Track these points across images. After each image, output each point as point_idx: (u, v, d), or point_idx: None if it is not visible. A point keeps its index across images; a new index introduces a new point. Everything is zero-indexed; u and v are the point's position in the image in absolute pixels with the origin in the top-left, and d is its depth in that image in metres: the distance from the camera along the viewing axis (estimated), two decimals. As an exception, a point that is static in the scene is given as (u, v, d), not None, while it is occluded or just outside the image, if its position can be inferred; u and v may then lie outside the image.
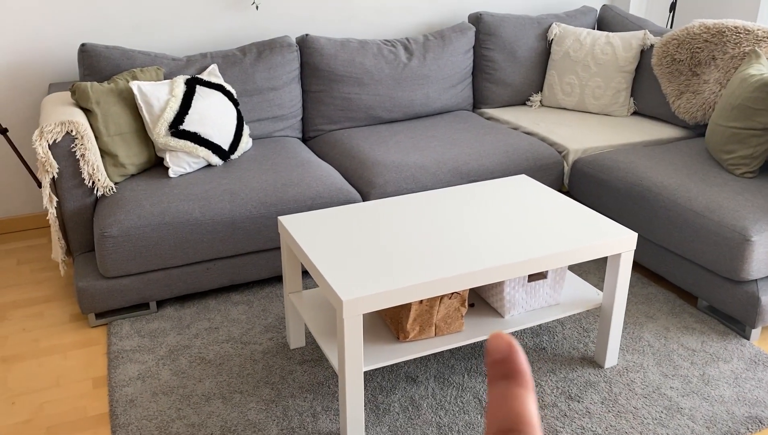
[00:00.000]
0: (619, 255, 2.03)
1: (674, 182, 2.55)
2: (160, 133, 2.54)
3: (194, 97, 2.62)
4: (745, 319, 2.30)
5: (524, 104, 3.63)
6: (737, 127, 2.57)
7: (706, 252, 2.34)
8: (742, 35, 2.90)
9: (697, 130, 3.23)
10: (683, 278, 2.50)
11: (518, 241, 1.96)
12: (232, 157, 2.77)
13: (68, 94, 2.67)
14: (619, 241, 2.00)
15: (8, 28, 2.91)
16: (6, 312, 2.53)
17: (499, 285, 2.03)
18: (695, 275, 2.45)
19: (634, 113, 3.47)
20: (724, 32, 2.96)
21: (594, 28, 3.76)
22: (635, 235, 2.02)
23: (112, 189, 2.46)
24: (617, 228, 2.06)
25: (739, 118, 2.56)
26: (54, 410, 2.01)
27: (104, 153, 2.49)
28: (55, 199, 2.37)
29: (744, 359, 2.23)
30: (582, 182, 2.91)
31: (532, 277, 2.07)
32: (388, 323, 1.98)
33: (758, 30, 2.88)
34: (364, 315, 2.05)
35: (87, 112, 2.49)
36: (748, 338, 2.33)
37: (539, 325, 2.40)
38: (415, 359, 2.22)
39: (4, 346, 2.32)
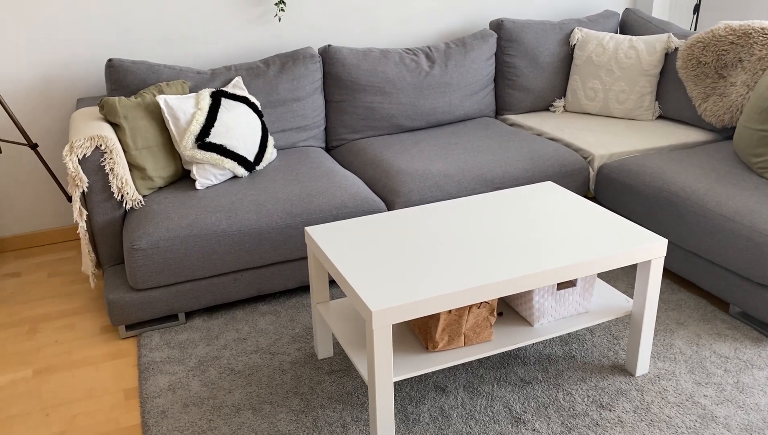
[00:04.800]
0: (649, 262, 2.01)
1: (703, 186, 2.52)
2: (186, 145, 2.57)
3: (219, 110, 2.64)
4: (779, 325, 2.26)
5: (547, 110, 3.62)
6: (767, 130, 2.53)
7: (737, 257, 2.30)
8: (769, 36, 2.86)
9: (725, 133, 3.19)
10: (714, 284, 2.47)
11: (547, 249, 1.95)
12: (258, 168, 2.79)
13: (96, 108, 2.71)
14: (649, 248, 1.98)
15: (37, 44, 2.96)
16: (38, 324, 2.57)
17: (528, 293, 2.02)
18: (726, 280, 2.41)
19: (660, 117, 3.43)
20: (751, 34, 2.92)
21: (616, 32, 3.73)
22: (665, 241, 1.99)
23: (141, 202, 2.49)
24: (647, 234, 2.03)
25: (768, 121, 2.52)
26: (87, 422, 2.03)
27: (132, 166, 2.52)
28: (85, 212, 2.40)
29: (779, 366, 2.19)
30: (608, 188, 2.88)
31: (561, 285, 2.05)
32: (417, 333, 1.98)
33: (786, 31, 2.83)
34: (392, 325, 2.05)
35: (115, 126, 2.52)
36: (782, 344, 2.29)
37: (569, 334, 2.38)
38: (444, 369, 2.21)
39: (37, 358, 2.36)
